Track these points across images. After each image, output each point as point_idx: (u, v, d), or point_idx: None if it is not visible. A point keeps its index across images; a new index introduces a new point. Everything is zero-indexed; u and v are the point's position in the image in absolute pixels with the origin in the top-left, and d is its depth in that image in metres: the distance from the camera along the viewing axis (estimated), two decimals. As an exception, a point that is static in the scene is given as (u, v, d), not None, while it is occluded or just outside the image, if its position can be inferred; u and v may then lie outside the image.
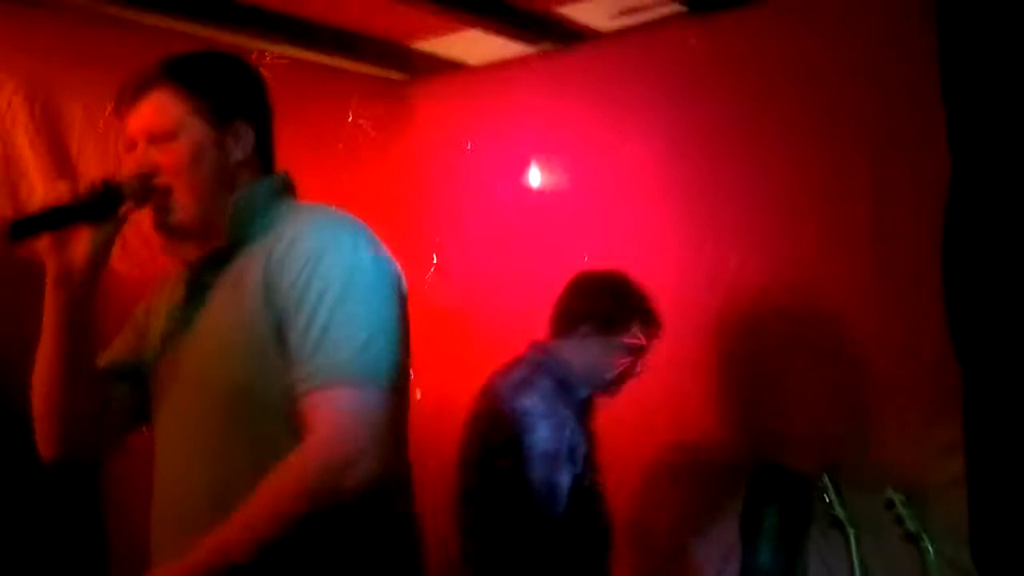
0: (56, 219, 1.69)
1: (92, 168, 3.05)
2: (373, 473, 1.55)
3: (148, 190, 1.73)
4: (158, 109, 1.74)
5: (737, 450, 3.36)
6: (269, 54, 3.46)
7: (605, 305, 2.86)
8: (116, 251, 1.80)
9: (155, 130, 1.74)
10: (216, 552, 1.57)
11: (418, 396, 3.97)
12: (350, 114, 3.75)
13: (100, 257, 1.73)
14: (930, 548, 2.84)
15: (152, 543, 1.83)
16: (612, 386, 2.89)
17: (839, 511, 3.01)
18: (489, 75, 3.93)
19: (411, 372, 1.78)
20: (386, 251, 1.77)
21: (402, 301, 1.75)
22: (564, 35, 3.68)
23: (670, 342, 3.44)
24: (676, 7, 3.44)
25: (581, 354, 2.83)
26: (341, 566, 1.67)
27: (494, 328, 3.81)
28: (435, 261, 3.99)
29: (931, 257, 2.86)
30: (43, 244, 1.70)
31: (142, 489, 2.12)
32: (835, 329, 3.14)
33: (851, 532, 2.97)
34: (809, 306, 3.21)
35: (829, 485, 3.05)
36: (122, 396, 1.90)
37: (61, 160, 2.98)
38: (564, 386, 2.78)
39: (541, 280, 3.73)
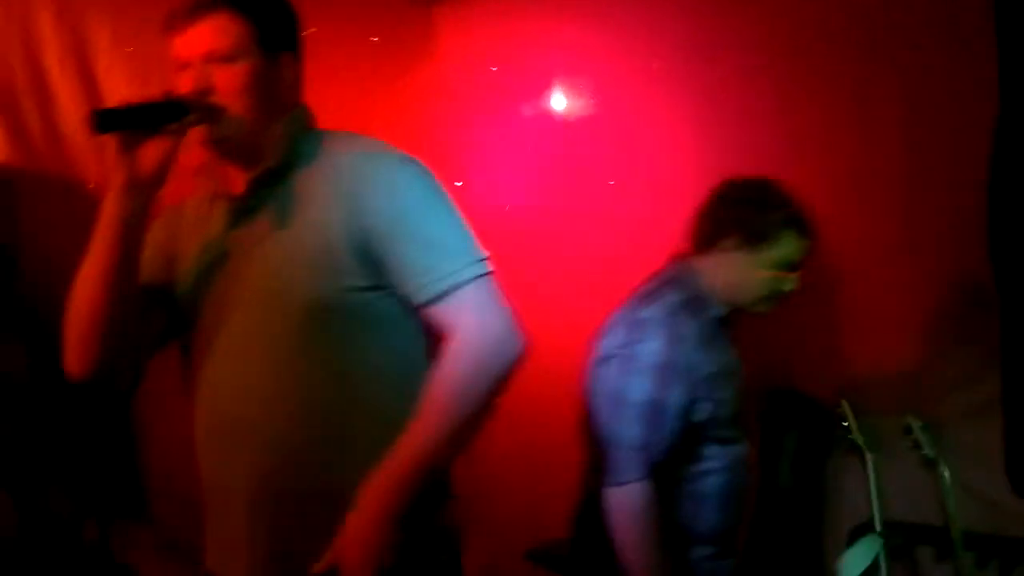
0: (135, 117, 1.71)
1: (119, 92, 3.07)
2: (522, 342, 1.79)
3: (207, 107, 1.77)
4: (217, 32, 1.77)
5: (752, 373, 3.38)
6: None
7: (751, 215, 2.56)
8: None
9: (214, 52, 1.77)
10: (418, 450, 1.71)
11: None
12: (372, 35, 3.74)
13: (166, 167, 1.76)
14: (946, 473, 2.87)
15: (204, 455, 1.91)
16: (761, 305, 2.62)
17: (857, 436, 3.03)
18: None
19: None
20: None
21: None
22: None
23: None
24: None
25: (721, 270, 2.57)
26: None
27: (517, 255, 3.83)
28: (459, 185, 4.01)
29: (960, 196, 2.88)
30: (116, 147, 1.73)
31: (172, 409, 2.16)
32: (857, 257, 3.13)
33: (869, 456, 3.00)
34: (831, 234, 3.20)
35: (848, 410, 3.08)
36: (155, 319, 1.94)
37: (89, 83, 3.00)
38: (694, 302, 2.53)
39: (565, 205, 3.75)
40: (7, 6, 2.88)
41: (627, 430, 2.42)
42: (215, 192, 1.93)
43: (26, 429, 2.73)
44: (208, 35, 1.78)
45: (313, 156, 1.86)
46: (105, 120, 1.69)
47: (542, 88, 3.78)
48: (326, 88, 3.61)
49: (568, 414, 3.73)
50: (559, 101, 3.76)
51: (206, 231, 1.92)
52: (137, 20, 3.08)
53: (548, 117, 3.78)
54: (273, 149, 1.84)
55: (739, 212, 2.58)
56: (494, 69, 3.89)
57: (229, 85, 1.78)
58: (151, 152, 1.73)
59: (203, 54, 1.78)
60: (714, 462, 2.53)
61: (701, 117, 3.43)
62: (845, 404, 3.09)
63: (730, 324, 2.65)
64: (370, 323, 1.80)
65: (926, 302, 2.91)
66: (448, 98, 4.01)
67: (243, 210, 1.86)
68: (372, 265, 1.78)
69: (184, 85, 1.78)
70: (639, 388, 2.42)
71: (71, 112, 2.93)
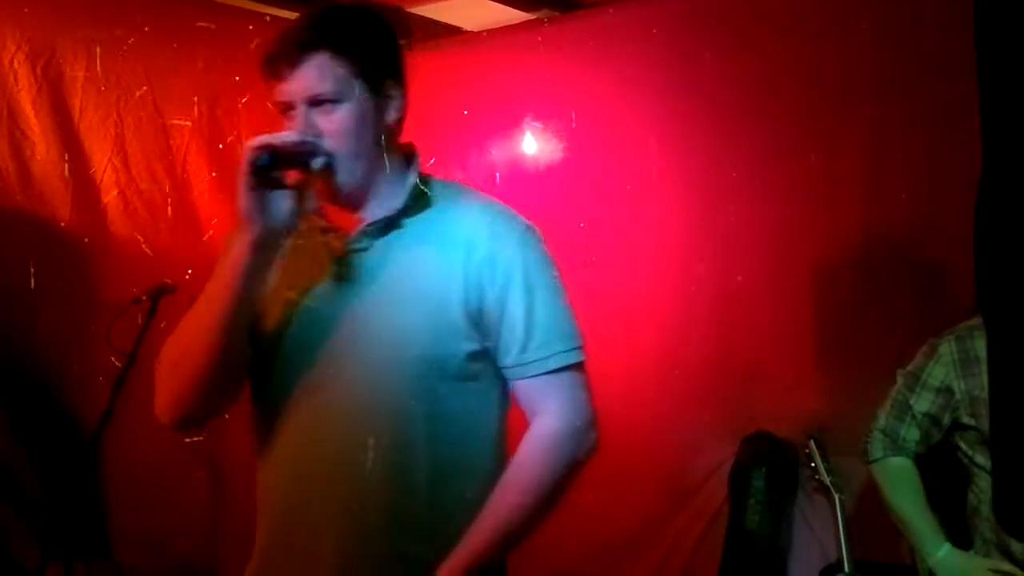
0: (287, 160, 1.65)
1: (93, 131, 3.08)
2: (597, 437, 1.81)
3: (317, 153, 1.70)
4: (320, 73, 1.69)
5: (727, 417, 3.41)
6: (269, 16, 3.47)
7: None
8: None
9: (318, 95, 1.70)
10: (495, 533, 1.71)
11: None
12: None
13: (297, 217, 1.69)
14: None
15: (283, 500, 1.81)
16: None
17: (825, 476, 3.06)
18: (488, 41, 3.94)
19: None
20: None
21: None
22: (563, 1, 3.69)
23: (660, 310, 3.50)
24: (675, -26, 3.44)
25: None
26: None
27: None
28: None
29: (923, 247, 2.94)
30: (252, 202, 1.63)
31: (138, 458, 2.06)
32: (824, 302, 3.18)
33: (836, 497, 3.02)
34: (800, 277, 3.24)
35: (815, 450, 3.10)
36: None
37: (63, 120, 3.01)
38: None
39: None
40: (-21, 46, 2.89)
41: None
42: (323, 227, 1.82)
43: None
44: (309, 78, 1.69)
45: (428, 204, 1.81)
46: (271, 163, 1.61)
47: (515, 131, 3.82)
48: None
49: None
50: (532, 143, 3.79)
51: (307, 268, 1.81)
52: (111, 58, 3.09)
53: (521, 159, 3.82)
54: (388, 193, 1.79)
55: None
56: (466, 113, 3.92)
57: (336, 128, 1.71)
58: (286, 201, 1.66)
59: (306, 98, 1.70)
60: None
61: (674, 159, 3.47)
62: (812, 445, 3.11)
63: None
64: (475, 387, 1.79)
65: (893, 345, 2.94)
66: (420, 139, 4.02)
67: (354, 253, 1.77)
68: (482, 328, 1.76)
69: (290, 128, 1.71)
70: None
71: (43, 151, 2.93)
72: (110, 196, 3.14)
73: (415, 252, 1.77)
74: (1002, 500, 2.30)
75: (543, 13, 3.73)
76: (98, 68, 3.04)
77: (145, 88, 3.20)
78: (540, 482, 1.73)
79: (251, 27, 3.40)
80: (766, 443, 3.33)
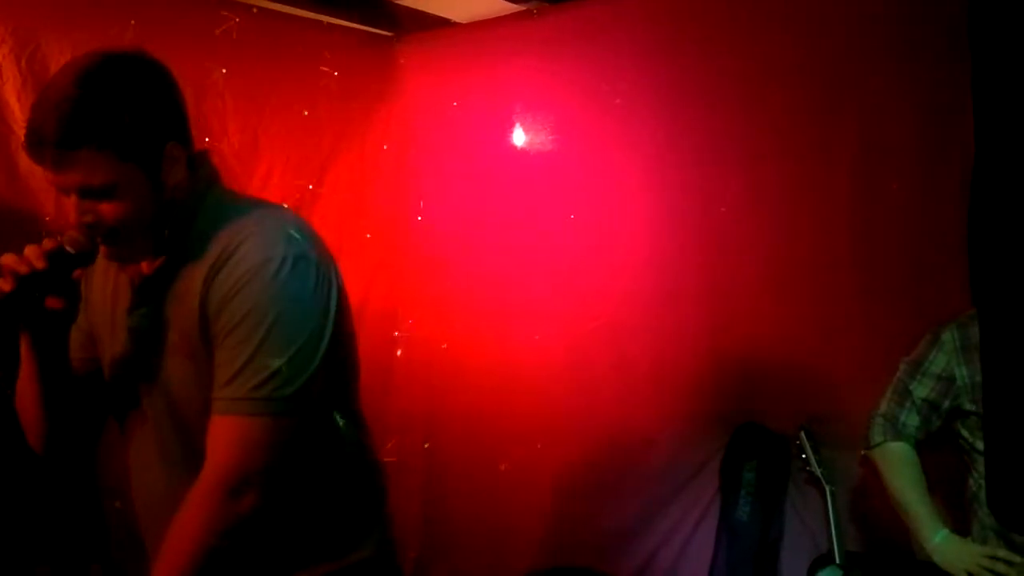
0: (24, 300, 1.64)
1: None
2: (258, 499, 1.68)
3: (95, 244, 1.70)
4: (87, 169, 1.64)
5: (717, 409, 3.41)
6: (256, 7, 3.46)
7: None
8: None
9: (90, 186, 1.66)
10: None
11: (398, 354, 4.09)
12: (336, 70, 3.75)
13: (71, 317, 1.75)
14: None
15: (141, 516, 1.96)
16: None
17: (816, 468, 3.07)
18: (475, 33, 3.92)
19: (351, 352, 1.90)
20: (319, 260, 1.77)
21: (329, 311, 1.78)
22: (551, -8, 3.68)
23: (652, 303, 3.49)
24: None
25: None
26: (314, 514, 1.84)
27: (476, 281, 3.86)
28: (420, 220, 4.03)
29: (914, 241, 2.94)
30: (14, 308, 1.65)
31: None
32: (816, 295, 3.18)
33: (828, 488, 3.03)
34: (789, 268, 3.24)
35: (806, 442, 3.11)
36: (97, 383, 1.93)
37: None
38: None
39: (524, 236, 3.78)
40: (-37, 40, 2.86)
41: None
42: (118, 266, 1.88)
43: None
44: (78, 173, 1.64)
45: (207, 238, 1.77)
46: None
47: (503, 122, 3.81)
48: (290, 122, 3.66)
49: (524, 448, 3.76)
50: (519, 135, 3.79)
51: (114, 308, 1.89)
52: (97, 46, 3.07)
53: (509, 150, 3.81)
54: (171, 243, 1.78)
55: None
56: (455, 104, 3.91)
57: (114, 214, 1.68)
58: (56, 302, 1.70)
59: (79, 189, 1.67)
60: None
61: (659, 156, 3.47)
62: (803, 436, 3.12)
63: None
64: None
65: (885, 338, 2.95)
66: (409, 130, 4.03)
67: (143, 294, 1.81)
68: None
69: (67, 216, 1.70)
70: None
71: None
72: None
73: (180, 293, 1.77)
74: (995, 489, 2.31)
75: (532, 5, 3.72)
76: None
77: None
78: (182, 554, 1.67)
79: (238, 20, 3.40)
80: (757, 435, 3.33)
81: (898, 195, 2.96)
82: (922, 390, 2.60)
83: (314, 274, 1.74)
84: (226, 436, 1.69)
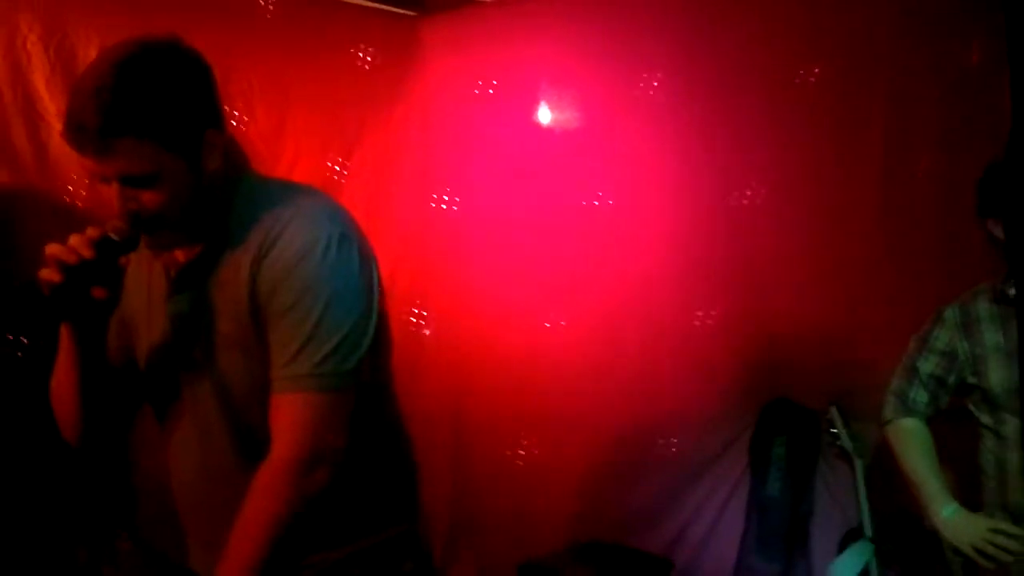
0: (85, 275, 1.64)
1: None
2: (330, 475, 1.71)
3: (139, 231, 1.70)
4: (128, 158, 1.64)
5: (746, 386, 3.40)
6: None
7: None
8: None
9: (132, 175, 1.67)
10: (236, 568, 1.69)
11: (426, 334, 4.10)
12: (361, 51, 3.76)
13: (113, 306, 1.74)
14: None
15: (180, 498, 1.97)
16: None
17: (847, 442, 3.06)
18: (501, 12, 3.91)
19: (385, 329, 1.91)
20: (359, 239, 1.80)
21: (373, 288, 1.82)
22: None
23: (681, 278, 3.49)
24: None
25: None
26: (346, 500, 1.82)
27: (502, 262, 3.87)
28: (445, 200, 4.03)
29: (939, 219, 2.93)
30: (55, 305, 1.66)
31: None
32: (843, 265, 3.16)
33: (858, 462, 3.02)
34: (820, 242, 3.23)
35: (837, 417, 3.10)
36: (131, 377, 1.94)
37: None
38: None
39: (551, 218, 3.77)
40: (-7, 27, 2.89)
41: None
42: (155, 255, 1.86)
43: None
44: (119, 162, 1.64)
45: (248, 226, 1.78)
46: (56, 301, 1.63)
47: (528, 102, 3.80)
48: (316, 104, 3.67)
49: (552, 426, 3.78)
50: (545, 114, 3.78)
51: (149, 296, 1.89)
52: (124, 35, 3.08)
53: (534, 130, 3.80)
54: (208, 230, 1.79)
55: None
56: (480, 83, 3.91)
57: (155, 202, 1.69)
58: (102, 291, 1.68)
59: (120, 177, 1.67)
60: None
61: (689, 136, 3.45)
62: (834, 410, 3.11)
63: None
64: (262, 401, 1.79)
65: (914, 312, 2.94)
66: (435, 114, 4.03)
67: (183, 282, 1.82)
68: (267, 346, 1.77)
69: (109, 203, 1.70)
70: None
71: (59, 132, 2.93)
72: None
73: (225, 279, 1.78)
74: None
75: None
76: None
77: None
78: (258, 529, 1.68)
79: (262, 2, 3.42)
80: (787, 410, 3.32)
81: (927, 171, 2.95)
82: (928, 366, 2.64)
83: (358, 252, 1.77)
84: (294, 414, 1.71)
